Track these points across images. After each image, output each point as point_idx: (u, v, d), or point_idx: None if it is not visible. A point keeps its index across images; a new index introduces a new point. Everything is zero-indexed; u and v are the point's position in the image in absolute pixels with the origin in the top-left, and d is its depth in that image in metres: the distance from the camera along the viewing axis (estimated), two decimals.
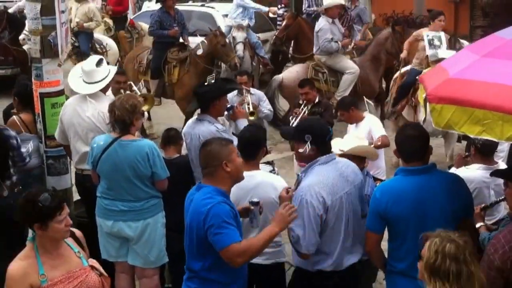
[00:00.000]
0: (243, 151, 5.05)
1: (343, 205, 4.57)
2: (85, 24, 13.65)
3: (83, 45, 13.70)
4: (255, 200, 4.67)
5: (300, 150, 4.67)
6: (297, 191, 4.58)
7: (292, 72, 11.49)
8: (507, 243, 3.87)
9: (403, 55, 10.65)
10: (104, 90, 6.49)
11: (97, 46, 13.87)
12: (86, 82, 6.38)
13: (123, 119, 5.60)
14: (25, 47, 13.38)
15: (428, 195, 4.34)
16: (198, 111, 6.31)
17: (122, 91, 7.60)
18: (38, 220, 3.94)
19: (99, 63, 6.46)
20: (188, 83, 11.25)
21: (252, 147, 5.24)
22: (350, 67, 11.20)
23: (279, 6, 16.67)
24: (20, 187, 6.18)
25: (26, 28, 11.93)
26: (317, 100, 8.64)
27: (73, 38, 13.07)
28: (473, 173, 5.49)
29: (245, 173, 4.70)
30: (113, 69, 6.65)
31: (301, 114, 8.37)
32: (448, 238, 3.42)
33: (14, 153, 6.12)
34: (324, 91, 11.09)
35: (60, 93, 6.54)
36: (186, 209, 4.49)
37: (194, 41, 15.41)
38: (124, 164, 5.59)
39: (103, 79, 6.40)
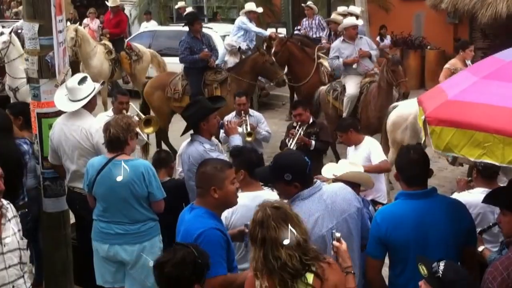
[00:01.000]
0: (252, 172, 5.01)
1: (326, 243, 4.17)
2: None
3: None
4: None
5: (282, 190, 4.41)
6: None
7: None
8: (505, 270, 3.81)
9: None
10: (89, 108, 6.43)
11: None
12: (71, 100, 6.33)
13: (118, 136, 5.59)
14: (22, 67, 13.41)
15: (429, 220, 4.28)
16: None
17: (124, 111, 7.60)
18: (201, 278, 3.66)
19: (81, 81, 6.37)
20: (230, 100, 10.99)
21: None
22: (348, 89, 11.10)
23: (296, 28, 16.73)
24: (26, 210, 6.15)
25: None
26: (311, 120, 8.65)
27: None
28: (476, 197, 5.31)
29: (251, 194, 4.76)
30: (98, 87, 6.56)
31: (297, 135, 8.36)
32: (262, 207, 3.63)
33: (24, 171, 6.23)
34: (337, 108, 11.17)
35: (58, 113, 6.47)
36: (178, 230, 4.46)
37: None
38: (119, 185, 5.55)
39: (86, 97, 6.33)
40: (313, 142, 8.39)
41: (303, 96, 12.38)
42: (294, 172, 4.26)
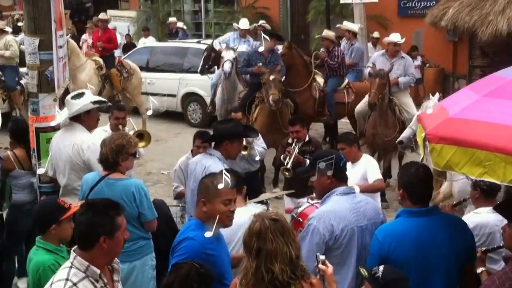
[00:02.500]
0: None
1: (354, 238, 4.53)
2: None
3: (10, 79, 14.06)
4: None
5: (313, 179, 4.71)
6: (309, 217, 4.66)
7: None
8: (501, 285, 3.80)
9: None
10: (86, 124, 6.33)
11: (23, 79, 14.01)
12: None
13: (106, 157, 5.55)
14: (22, 81, 13.53)
15: (431, 238, 4.26)
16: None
17: (120, 127, 7.58)
18: (209, 287, 3.79)
19: (77, 96, 6.32)
20: (260, 120, 10.99)
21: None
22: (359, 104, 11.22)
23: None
24: None
25: None
26: (307, 138, 8.53)
27: None
28: (485, 217, 5.29)
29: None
30: (87, 104, 6.34)
31: (294, 153, 8.25)
32: (260, 217, 3.65)
33: None
34: None
35: (56, 128, 6.48)
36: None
37: (192, 77, 15.59)
38: None
39: (74, 112, 6.26)
40: (307, 161, 8.15)
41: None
42: (327, 161, 4.63)
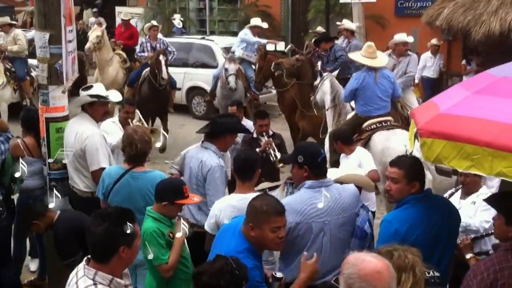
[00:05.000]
0: (239, 172, 5.20)
1: (311, 232, 4.56)
2: (8, 47, 14.30)
3: (20, 70, 14.39)
4: (279, 275, 4.39)
5: (295, 172, 4.84)
6: None
7: None
8: (486, 270, 3.96)
9: None
10: (94, 115, 6.59)
11: (32, 71, 14.28)
12: None
13: (145, 151, 5.79)
14: (33, 74, 13.85)
15: (438, 220, 4.51)
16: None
17: (129, 120, 7.85)
18: None
19: (85, 89, 6.71)
20: None
21: (247, 169, 5.27)
22: None
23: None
24: (1, 208, 6.48)
25: None
26: (271, 132, 8.50)
27: (9, 64, 14.01)
28: None
29: (241, 196, 4.90)
30: (85, 95, 6.67)
31: (274, 144, 8.20)
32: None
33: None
34: None
35: (65, 118, 6.69)
36: (217, 246, 4.43)
37: (196, 72, 15.89)
38: (136, 195, 5.69)
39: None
40: (278, 154, 8.18)
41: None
42: (305, 156, 4.75)
